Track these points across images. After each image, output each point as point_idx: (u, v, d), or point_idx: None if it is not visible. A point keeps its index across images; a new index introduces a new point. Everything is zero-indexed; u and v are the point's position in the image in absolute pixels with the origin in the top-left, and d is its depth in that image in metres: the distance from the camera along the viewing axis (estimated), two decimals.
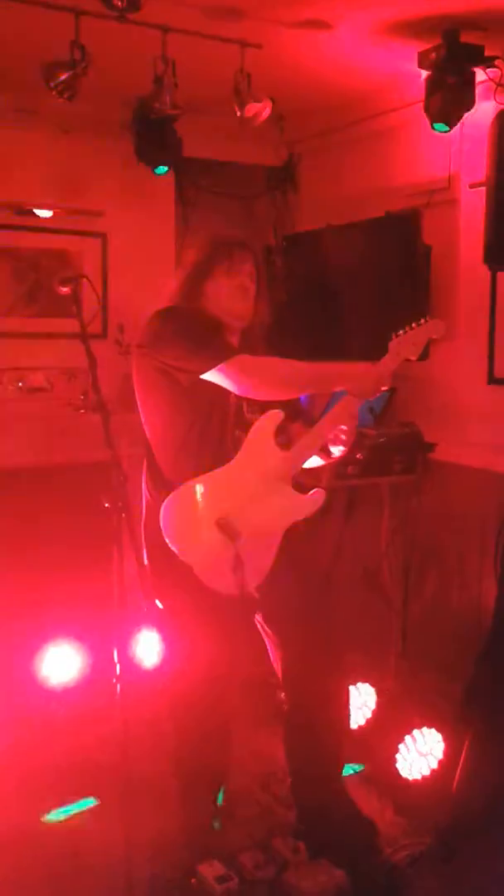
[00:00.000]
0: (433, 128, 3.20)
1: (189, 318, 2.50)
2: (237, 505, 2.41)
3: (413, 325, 2.50)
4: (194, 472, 2.43)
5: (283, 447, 2.49)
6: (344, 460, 2.73)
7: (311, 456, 2.52)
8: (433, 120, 3.17)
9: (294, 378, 2.50)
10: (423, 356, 2.58)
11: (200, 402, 2.46)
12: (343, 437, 2.52)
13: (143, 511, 2.56)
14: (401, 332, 2.49)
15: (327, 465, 2.63)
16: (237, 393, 2.45)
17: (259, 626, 2.66)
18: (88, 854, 2.60)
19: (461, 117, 3.16)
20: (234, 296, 2.53)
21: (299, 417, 2.66)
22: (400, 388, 3.68)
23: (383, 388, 2.49)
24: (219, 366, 2.37)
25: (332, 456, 2.58)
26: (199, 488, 2.41)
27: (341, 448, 2.55)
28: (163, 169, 3.89)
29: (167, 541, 2.39)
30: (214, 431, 2.48)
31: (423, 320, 2.52)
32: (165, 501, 2.40)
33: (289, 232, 4.59)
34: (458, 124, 3.21)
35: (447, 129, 3.18)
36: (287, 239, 4.53)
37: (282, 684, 2.71)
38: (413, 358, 2.50)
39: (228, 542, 2.36)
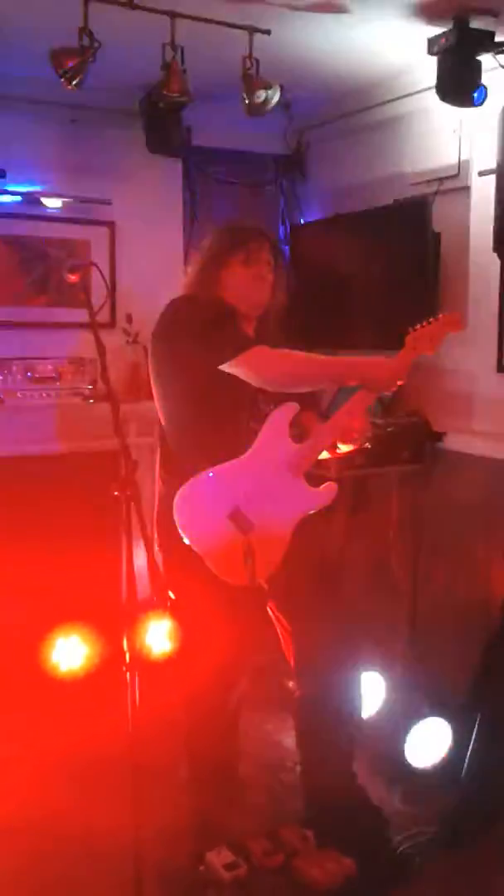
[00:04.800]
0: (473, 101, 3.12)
1: (206, 307, 2.48)
2: (250, 496, 2.40)
3: (431, 319, 2.49)
4: (208, 462, 2.43)
5: (296, 440, 2.49)
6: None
7: (324, 449, 2.51)
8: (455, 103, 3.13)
9: (311, 371, 2.49)
10: None
11: (216, 393, 2.45)
12: (354, 433, 2.51)
13: (156, 500, 2.56)
14: (418, 326, 2.48)
15: (334, 458, 2.62)
16: (254, 384, 2.44)
17: (271, 614, 2.66)
18: (98, 841, 2.61)
19: (472, 103, 3.14)
20: (250, 285, 2.52)
21: (313, 410, 2.65)
22: (408, 376, 3.67)
23: (399, 383, 2.49)
24: (236, 357, 2.36)
25: (340, 451, 2.57)
26: (213, 478, 2.41)
27: (350, 446, 2.55)
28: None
29: (179, 530, 2.39)
30: (229, 422, 2.48)
31: (440, 315, 2.51)
32: (179, 491, 2.40)
33: (297, 220, 4.58)
34: (468, 110, 3.19)
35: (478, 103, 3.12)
36: (296, 227, 4.51)
37: (292, 672, 2.71)
38: (430, 353, 2.49)
39: (240, 533, 2.36)
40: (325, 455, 2.57)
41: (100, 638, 3.66)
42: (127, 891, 2.20)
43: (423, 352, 2.48)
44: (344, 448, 2.56)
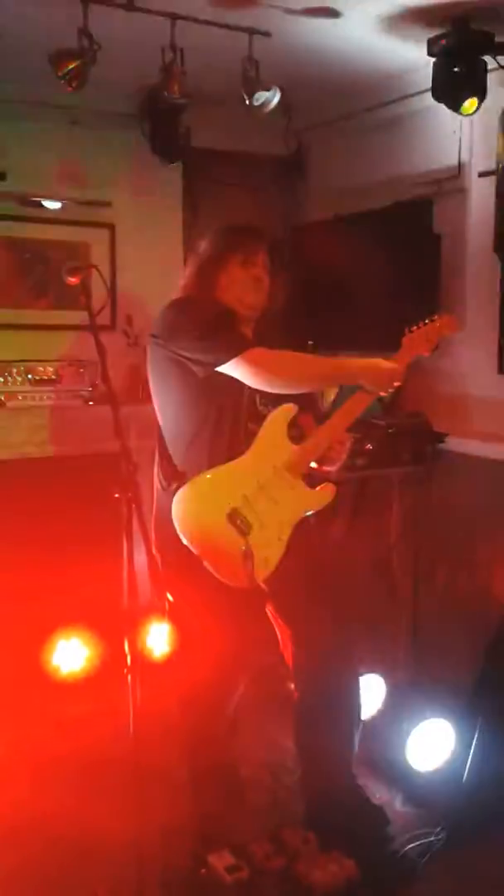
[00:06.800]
0: (459, 111, 3.13)
1: (204, 309, 2.48)
2: (249, 497, 2.41)
3: (427, 320, 2.52)
4: (207, 463, 2.43)
5: (295, 441, 2.49)
6: (352, 451, 2.72)
7: (323, 450, 2.52)
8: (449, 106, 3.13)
9: (309, 372, 2.50)
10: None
11: (214, 395, 2.45)
12: (337, 450, 2.53)
13: (154, 502, 2.56)
14: (414, 327, 2.51)
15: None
16: (252, 386, 2.44)
17: (270, 616, 2.66)
18: (99, 843, 2.61)
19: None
20: (248, 287, 2.52)
21: (311, 411, 2.65)
22: (409, 378, 3.65)
23: (397, 384, 2.50)
24: (234, 359, 2.36)
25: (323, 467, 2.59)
26: (211, 480, 2.41)
27: (337, 463, 2.56)
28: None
29: (178, 532, 2.39)
30: (227, 424, 2.47)
31: (436, 317, 2.55)
32: (177, 493, 2.40)
33: (297, 222, 4.57)
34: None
35: (471, 112, 3.12)
36: (296, 229, 4.51)
37: (292, 674, 2.71)
38: (426, 354, 2.53)
39: (239, 534, 2.36)
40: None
41: (101, 640, 3.66)
42: (128, 893, 2.19)
43: (420, 352, 2.52)
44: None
